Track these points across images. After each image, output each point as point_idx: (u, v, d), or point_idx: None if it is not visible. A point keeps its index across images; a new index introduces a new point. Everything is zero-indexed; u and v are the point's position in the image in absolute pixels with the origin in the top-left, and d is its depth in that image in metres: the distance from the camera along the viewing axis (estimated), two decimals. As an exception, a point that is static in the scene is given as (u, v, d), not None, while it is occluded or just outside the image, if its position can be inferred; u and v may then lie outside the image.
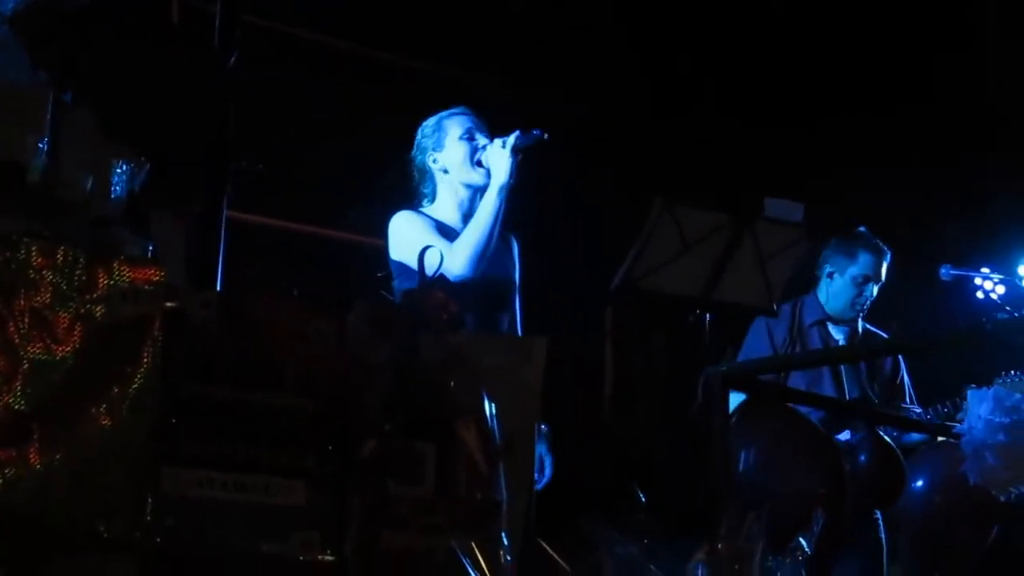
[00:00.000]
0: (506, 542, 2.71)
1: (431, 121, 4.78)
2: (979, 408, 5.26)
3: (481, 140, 4.65)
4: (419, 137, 4.78)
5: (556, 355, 4.42)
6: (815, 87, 6.61)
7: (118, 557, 2.43)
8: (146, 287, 2.62)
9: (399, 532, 2.63)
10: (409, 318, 2.75)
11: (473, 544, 2.63)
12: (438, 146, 4.74)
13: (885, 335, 5.73)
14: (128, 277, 2.62)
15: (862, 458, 4.96)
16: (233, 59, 3.69)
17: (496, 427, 2.76)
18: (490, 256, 4.50)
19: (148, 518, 2.46)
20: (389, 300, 2.71)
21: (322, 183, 5.80)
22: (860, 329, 5.64)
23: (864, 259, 5.53)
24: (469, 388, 2.74)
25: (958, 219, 6.82)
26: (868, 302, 5.55)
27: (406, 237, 4.56)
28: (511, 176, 4.49)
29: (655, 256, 4.39)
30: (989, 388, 5.28)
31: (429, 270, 4.04)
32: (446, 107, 4.80)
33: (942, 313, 6.38)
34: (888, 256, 5.54)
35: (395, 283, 4.58)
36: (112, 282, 2.61)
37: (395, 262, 4.62)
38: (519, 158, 4.51)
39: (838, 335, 5.64)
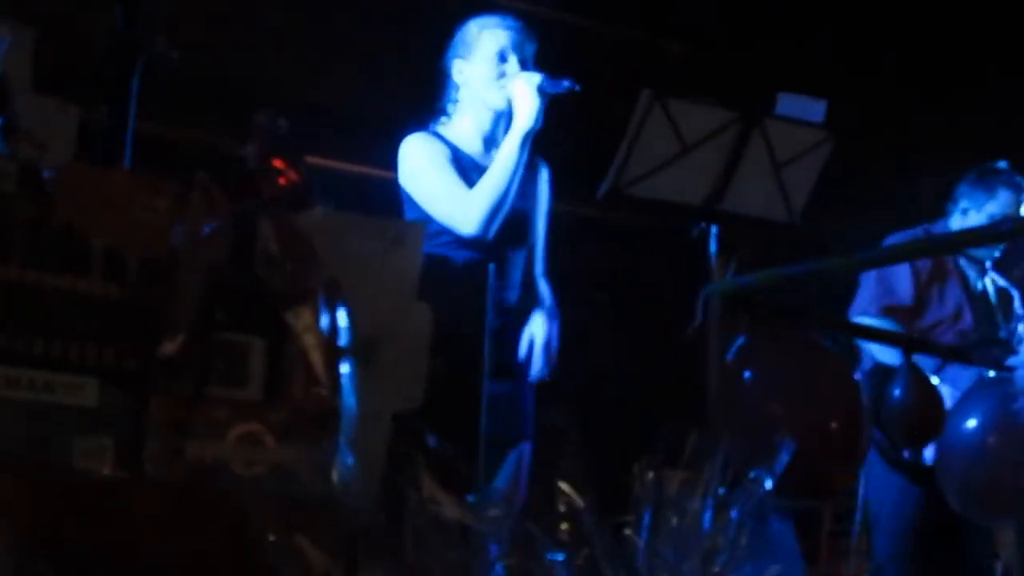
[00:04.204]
0: (351, 459, 2.28)
1: (472, 26, 4.34)
2: (1036, 339, 4.75)
3: (513, 66, 4.22)
4: (456, 37, 4.38)
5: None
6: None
7: None
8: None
9: (213, 441, 2.21)
10: (242, 190, 2.33)
11: (302, 456, 2.21)
12: (466, 54, 4.33)
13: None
14: None
15: (896, 392, 4.41)
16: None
17: (348, 323, 2.32)
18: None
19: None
20: (229, 171, 2.30)
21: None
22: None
23: (1004, 196, 5.09)
24: (310, 276, 2.31)
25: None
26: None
27: (419, 166, 4.18)
28: (538, 121, 4.07)
29: (647, 159, 3.91)
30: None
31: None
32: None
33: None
34: None
35: (406, 214, 4.20)
36: None
37: (404, 191, 4.24)
38: (544, 102, 4.09)
39: (969, 272, 5.31)
